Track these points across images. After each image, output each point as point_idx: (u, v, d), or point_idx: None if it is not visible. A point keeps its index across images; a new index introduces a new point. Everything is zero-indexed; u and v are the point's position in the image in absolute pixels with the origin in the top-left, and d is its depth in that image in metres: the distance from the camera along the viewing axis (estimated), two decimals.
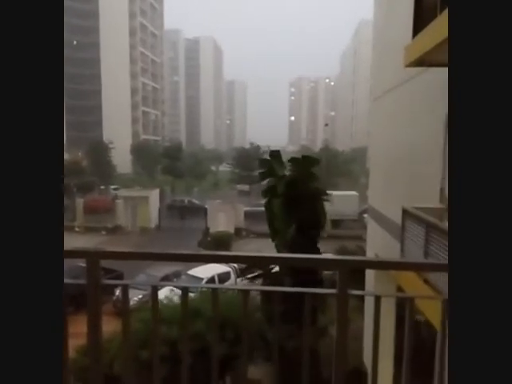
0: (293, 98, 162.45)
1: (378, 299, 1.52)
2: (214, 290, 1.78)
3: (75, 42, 65.22)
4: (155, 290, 1.69)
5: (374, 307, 1.52)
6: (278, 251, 7.48)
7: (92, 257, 1.58)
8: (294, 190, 7.16)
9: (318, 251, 7.40)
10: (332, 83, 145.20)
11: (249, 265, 11.61)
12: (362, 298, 7.43)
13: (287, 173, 7.51)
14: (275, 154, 8.09)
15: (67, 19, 63.87)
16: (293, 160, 7.66)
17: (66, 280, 1.97)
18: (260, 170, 8.30)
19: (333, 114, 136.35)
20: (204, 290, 10.11)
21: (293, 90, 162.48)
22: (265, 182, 8.44)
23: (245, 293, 1.76)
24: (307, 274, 6.20)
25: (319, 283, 6.25)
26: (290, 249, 7.03)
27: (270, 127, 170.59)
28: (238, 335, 4.46)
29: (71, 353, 2.02)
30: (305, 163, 7.57)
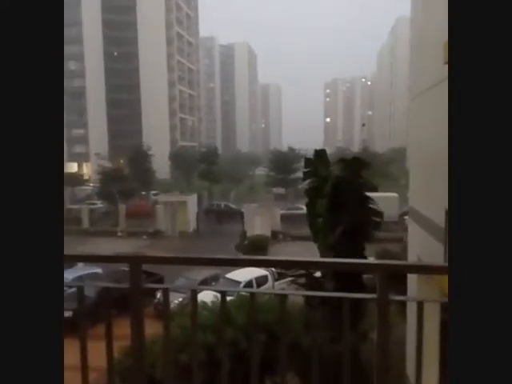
0: (328, 99, 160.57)
1: (420, 304, 1.46)
2: (252, 294, 1.78)
3: (115, 54, 68.03)
4: (194, 293, 1.72)
5: (416, 313, 1.46)
6: (321, 253, 7.37)
7: (134, 261, 1.63)
8: (342, 191, 7.02)
9: (363, 255, 7.21)
10: (369, 82, 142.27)
11: (285, 269, 11.53)
12: (404, 302, 7.17)
13: (333, 170, 7.38)
14: (320, 154, 7.96)
15: (107, 31, 66.80)
16: (342, 161, 7.52)
17: (109, 284, 2.06)
18: (304, 170, 8.20)
19: (370, 113, 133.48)
20: (241, 293, 10.14)
21: (328, 91, 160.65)
22: (305, 183, 8.33)
23: (282, 297, 1.76)
24: (350, 277, 6.05)
25: (362, 287, 6.08)
26: (334, 251, 6.90)
27: (305, 129, 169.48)
28: (276, 339, 4.45)
29: (116, 354, 2.09)
30: (354, 165, 7.41)
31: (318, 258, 4.78)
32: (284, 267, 8.51)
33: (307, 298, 7.40)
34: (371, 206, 7.26)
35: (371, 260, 1.48)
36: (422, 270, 1.90)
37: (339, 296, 1.49)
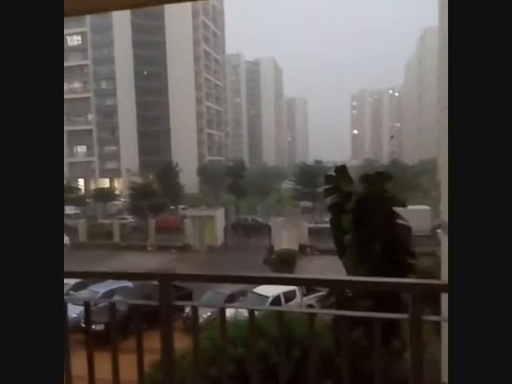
0: (355, 111, 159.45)
1: None
2: (281, 311, 1.77)
3: (145, 73, 70.40)
4: (223, 311, 1.72)
5: (448, 333, 1.41)
6: (346, 268, 7.22)
7: (164, 278, 1.66)
8: (366, 206, 6.90)
9: (405, 266, 6.98)
10: (396, 94, 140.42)
11: (313, 287, 11.33)
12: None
13: (357, 188, 7.27)
14: (341, 170, 7.87)
15: (137, 51, 69.32)
16: (365, 177, 7.40)
17: (139, 301, 2.10)
18: (325, 187, 8.10)
19: (398, 125, 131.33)
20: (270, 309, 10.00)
21: (355, 103, 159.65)
22: (329, 198, 8.24)
23: (310, 315, 1.73)
24: (386, 295, 5.86)
25: (400, 305, 5.87)
26: (369, 268, 6.74)
27: (332, 142, 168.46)
28: (306, 355, 4.37)
29: (146, 367, 2.12)
30: (378, 180, 7.27)
31: (348, 277, 4.68)
32: (314, 285, 8.35)
33: (336, 317, 7.24)
34: (398, 221, 7.07)
35: (403, 279, 1.44)
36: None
37: (370, 316, 1.46)
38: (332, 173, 7.88)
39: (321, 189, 40.44)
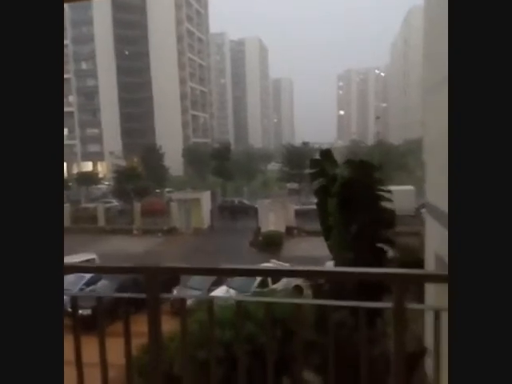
0: (341, 91, 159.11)
1: (437, 313, 1.43)
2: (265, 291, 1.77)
3: (127, 53, 68.54)
4: (211, 304, 1.73)
5: (433, 321, 1.44)
6: (332, 251, 7.32)
7: (150, 272, 1.65)
8: (351, 189, 6.94)
9: (381, 254, 7.10)
10: (382, 74, 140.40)
11: (300, 277, 11.46)
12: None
13: (342, 172, 7.29)
14: (326, 153, 7.89)
15: (118, 30, 67.30)
16: (349, 162, 7.41)
17: (126, 294, 2.08)
18: (310, 171, 8.13)
19: (384, 105, 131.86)
20: (257, 290, 10.14)
21: (341, 83, 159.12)
22: (316, 182, 8.27)
23: (297, 305, 1.74)
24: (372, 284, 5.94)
25: (384, 290, 5.96)
26: (349, 250, 6.83)
27: (318, 123, 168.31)
28: (290, 335, 4.44)
29: (134, 351, 2.12)
30: (362, 168, 7.29)
31: (334, 268, 4.72)
32: (300, 276, 8.44)
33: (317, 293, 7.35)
34: (382, 204, 7.15)
35: (387, 269, 1.45)
36: (439, 279, 1.75)
37: (354, 305, 1.47)
38: (317, 157, 7.90)
39: (308, 170, 40.62)
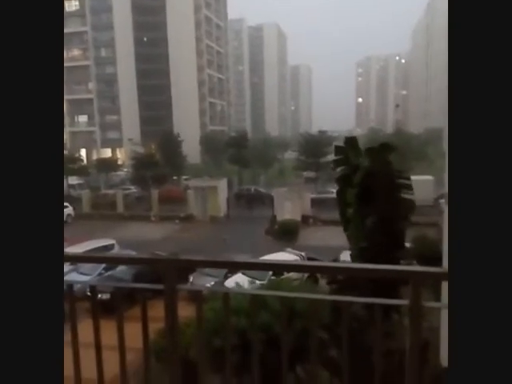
0: (360, 78, 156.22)
1: None
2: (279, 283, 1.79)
3: (145, 39, 68.64)
4: (227, 296, 1.76)
5: (448, 318, 1.42)
6: (350, 242, 7.27)
7: (168, 264, 1.68)
8: (372, 181, 6.84)
9: (401, 247, 7.01)
10: (403, 60, 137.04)
11: (313, 273, 11.41)
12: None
13: (363, 162, 7.18)
14: (350, 141, 7.73)
15: (137, 17, 67.35)
16: (369, 150, 7.28)
17: (144, 284, 2.13)
18: (334, 158, 8.00)
19: (404, 93, 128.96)
20: (272, 278, 10.18)
21: (360, 70, 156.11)
22: (338, 170, 8.15)
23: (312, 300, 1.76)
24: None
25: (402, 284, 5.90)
26: (367, 241, 6.78)
27: (337, 111, 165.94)
28: (307, 326, 4.46)
29: (151, 335, 2.18)
30: (382, 152, 7.16)
31: (346, 264, 4.70)
32: (313, 272, 8.40)
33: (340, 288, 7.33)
34: (402, 195, 7.04)
35: (403, 267, 1.44)
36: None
37: (371, 302, 1.47)
38: (341, 144, 7.77)
39: (324, 159, 40.32)
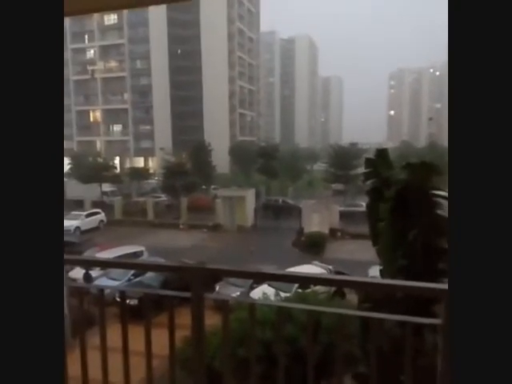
0: (392, 90, 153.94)
1: None
2: (307, 295, 1.77)
3: (179, 52, 70.56)
4: (253, 306, 1.76)
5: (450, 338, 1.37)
6: (380, 256, 7.08)
7: (195, 273, 1.70)
8: (406, 194, 6.65)
9: (434, 263, 6.75)
10: (437, 73, 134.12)
11: (341, 287, 11.12)
12: None
13: (398, 175, 6.99)
14: (381, 154, 7.58)
15: (172, 30, 69.41)
16: (409, 165, 7.08)
17: (172, 292, 2.16)
18: (364, 170, 7.86)
19: (438, 106, 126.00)
20: (298, 291, 10.07)
21: (392, 82, 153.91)
22: (368, 183, 8.00)
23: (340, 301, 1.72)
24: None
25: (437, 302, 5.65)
26: (400, 257, 6.57)
27: (368, 123, 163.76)
28: (333, 340, 4.36)
29: (177, 342, 2.20)
30: (422, 170, 6.94)
31: (378, 280, 4.57)
32: (344, 286, 8.20)
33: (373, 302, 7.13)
34: (439, 211, 6.78)
35: (436, 284, 1.38)
36: None
37: (401, 320, 1.43)
38: (372, 156, 7.62)
39: (354, 171, 39.79)
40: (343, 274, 15.47)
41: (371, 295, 6.49)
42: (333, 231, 27.24)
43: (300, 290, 11.76)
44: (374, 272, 14.05)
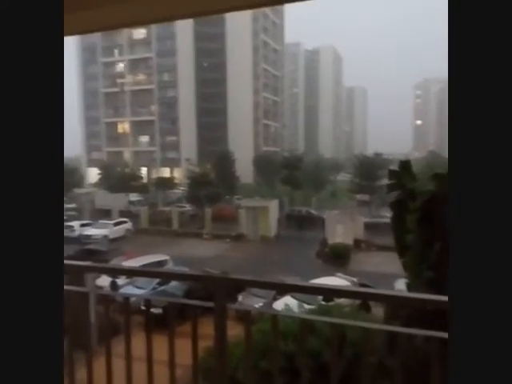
0: (418, 100, 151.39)
1: None
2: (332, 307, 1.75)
3: (205, 64, 71.92)
4: (275, 318, 1.75)
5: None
6: (406, 269, 6.92)
7: (219, 282, 1.71)
8: (434, 205, 6.51)
9: None
10: None
11: (366, 301, 10.87)
12: None
13: (423, 187, 6.87)
14: (405, 165, 7.49)
15: (198, 43, 70.90)
16: (437, 176, 6.96)
17: (196, 301, 2.17)
18: (388, 182, 7.78)
19: None
20: (322, 303, 9.92)
21: (418, 92, 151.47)
22: (392, 195, 7.89)
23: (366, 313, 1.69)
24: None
25: None
26: (428, 269, 6.40)
27: (393, 133, 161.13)
28: (358, 355, 4.26)
29: (200, 352, 2.20)
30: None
31: (404, 293, 4.47)
32: (370, 300, 7.98)
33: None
34: None
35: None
36: None
37: (427, 334, 1.39)
38: (395, 168, 7.54)
39: (379, 182, 39.16)
40: (368, 286, 15.13)
41: (399, 309, 6.32)
42: (357, 242, 26.79)
43: (323, 303, 11.58)
44: (400, 285, 13.69)
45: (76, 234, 29.14)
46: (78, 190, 47.93)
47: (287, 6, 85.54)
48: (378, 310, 12.23)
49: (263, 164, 57.53)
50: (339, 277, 17.34)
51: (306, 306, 11.11)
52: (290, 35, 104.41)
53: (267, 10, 77.34)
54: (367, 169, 42.13)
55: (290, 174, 46.53)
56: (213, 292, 1.76)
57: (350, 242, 26.02)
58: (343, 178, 57.22)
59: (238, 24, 69.80)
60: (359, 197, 43.02)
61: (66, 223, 32.74)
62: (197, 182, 39.05)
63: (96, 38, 69.59)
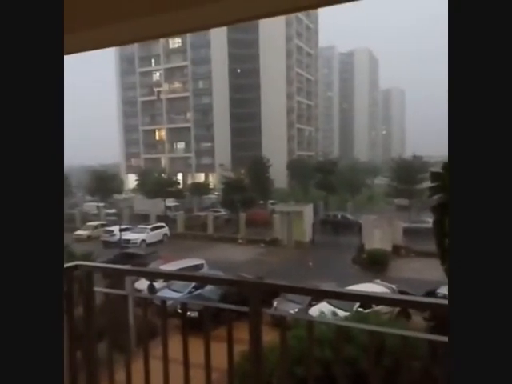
0: None
1: None
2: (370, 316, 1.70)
3: (239, 70, 72.77)
4: (311, 324, 1.72)
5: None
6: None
7: (253, 287, 1.71)
8: None
9: None
10: None
11: (406, 308, 10.52)
12: None
13: None
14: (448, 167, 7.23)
15: (232, 50, 71.91)
16: None
17: (231, 306, 2.17)
18: (430, 184, 7.53)
19: None
20: (359, 310, 9.72)
21: None
22: (433, 199, 7.61)
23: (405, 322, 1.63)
24: None
25: None
26: None
27: (432, 135, 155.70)
28: (398, 364, 4.11)
29: (235, 356, 2.20)
30: None
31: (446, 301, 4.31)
32: (409, 307, 7.74)
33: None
34: None
35: None
36: None
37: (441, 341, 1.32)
38: (438, 170, 7.29)
39: (419, 186, 37.90)
40: (408, 293, 14.63)
41: (442, 317, 6.06)
42: (396, 248, 25.99)
43: (361, 310, 11.32)
44: (444, 292, 13.16)
45: (116, 238, 30.11)
46: (117, 196, 49.71)
47: (321, 10, 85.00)
48: (418, 318, 11.80)
49: (297, 168, 57.26)
50: (377, 283, 16.88)
51: (343, 313, 10.90)
52: (324, 39, 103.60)
53: (301, 14, 77.25)
54: (406, 172, 40.91)
55: (325, 178, 46.00)
56: (247, 297, 1.76)
57: (388, 247, 25.29)
58: (380, 181, 55.91)
59: (272, 29, 70.17)
60: (397, 201, 41.84)
61: (107, 228, 34.02)
62: (231, 187, 39.41)
63: (134, 48, 72.21)
